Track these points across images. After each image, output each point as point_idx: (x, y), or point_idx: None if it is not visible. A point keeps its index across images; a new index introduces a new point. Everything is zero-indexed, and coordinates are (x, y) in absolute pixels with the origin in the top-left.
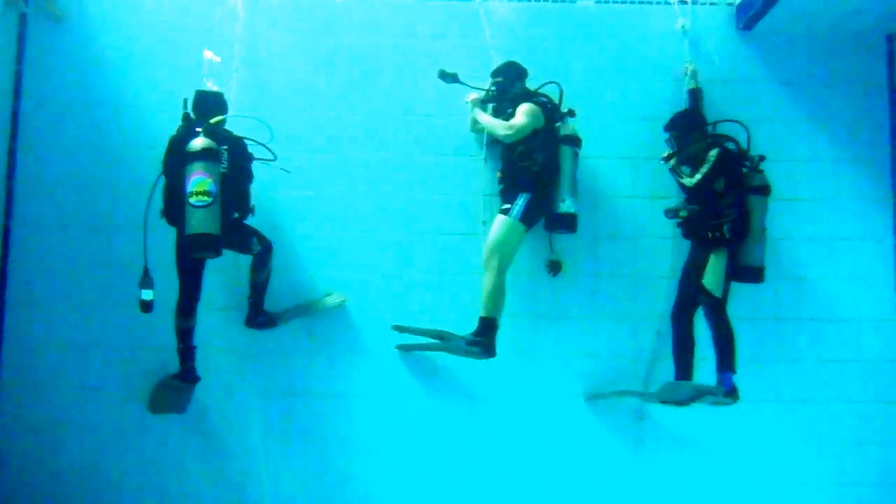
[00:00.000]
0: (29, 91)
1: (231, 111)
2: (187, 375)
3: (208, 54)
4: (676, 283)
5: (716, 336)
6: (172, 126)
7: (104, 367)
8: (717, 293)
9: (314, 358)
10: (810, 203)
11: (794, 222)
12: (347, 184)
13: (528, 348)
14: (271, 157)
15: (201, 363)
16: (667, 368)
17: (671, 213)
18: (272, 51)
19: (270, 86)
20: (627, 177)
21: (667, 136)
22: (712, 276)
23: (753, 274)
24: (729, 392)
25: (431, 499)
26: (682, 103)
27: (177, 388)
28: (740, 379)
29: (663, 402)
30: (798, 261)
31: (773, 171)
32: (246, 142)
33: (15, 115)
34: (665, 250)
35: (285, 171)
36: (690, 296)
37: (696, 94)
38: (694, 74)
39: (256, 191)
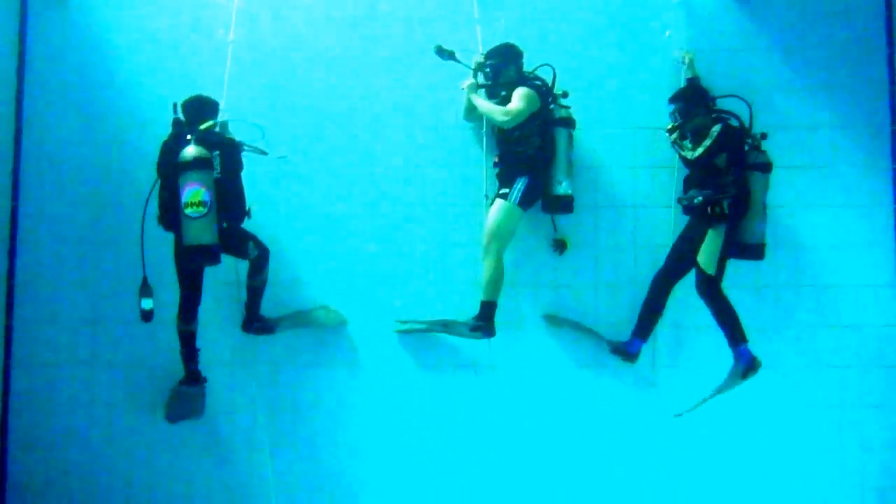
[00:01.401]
0: (32, 74)
1: (224, 85)
2: (193, 379)
3: None
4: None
5: (716, 314)
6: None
7: (112, 380)
8: (710, 270)
9: (321, 343)
10: (810, 170)
11: (793, 189)
12: (345, 164)
13: (531, 318)
14: (263, 153)
15: (207, 371)
16: (673, 335)
17: (685, 200)
18: (267, 28)
19: (265, 60)
20: (626, 147)
21: (671, 108)
22: (706, 253)
23: (754, 251)
24: (748, 366)
25: (446, 475)
26: (679, 73)
27: (188, 393)
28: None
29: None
30: (797, 228)
31: (772, 139)
32: (237, 138)
33: (19, 105)
34: (666, 219)
35: (282, 157)
36: (676, 266)
37: (694, 83)
38: (691, 63)
39: (254, 195)
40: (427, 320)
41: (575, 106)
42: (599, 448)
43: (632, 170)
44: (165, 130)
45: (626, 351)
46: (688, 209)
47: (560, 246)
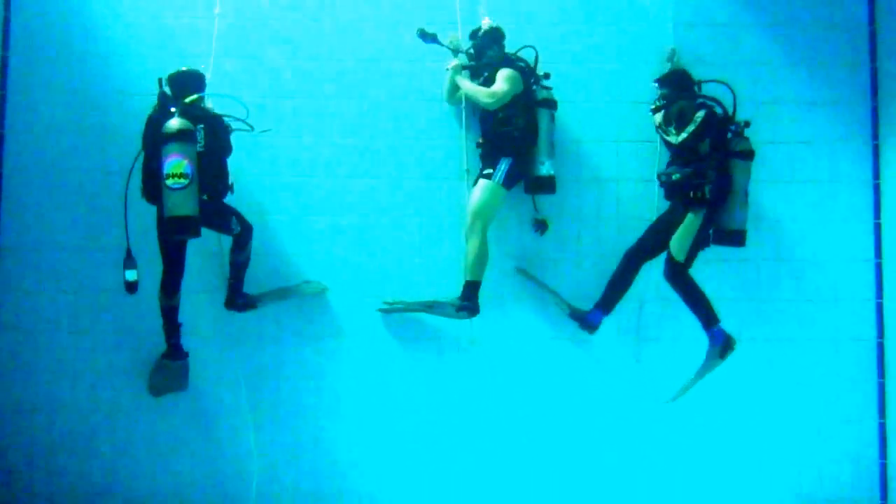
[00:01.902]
0: (16, 41)
1: (211, 57)
2: (174, 353)
3: None
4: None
5: (685, 299)
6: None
7: (95, 351)
8: (680, 257)
9: (306, 317)
10: (792, 145)
11: (775, 164)
12: (327, 134)
13: (513, 292)
14: (248, 128)
15: (191, 343)
16: (658, 309)
17: (664, 177)
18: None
19: (247, 34)
20: (609, 120)
21: (656, 93)
22: (679, 238)
23: (735, 237)
24: (725, 345)
25: (428, 446)
26: (662, 43)
27: (170, 367)
28: (725, 319)
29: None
30: (779, 202)
31: (755, 114)
32: (222, 116)
33: (3, 74)
34: (648, 193)
35: (266, 130)
36: (650, 247)
37: (680, 69)
38: (678, 62)
39: (237, 170)
40: (411, 301)
41: (558, 79)
42: (582, 423)
43: (615, 143)
44: (152, 97)
45: (587, 320)
46: (669, 192)
47: (541, 226)
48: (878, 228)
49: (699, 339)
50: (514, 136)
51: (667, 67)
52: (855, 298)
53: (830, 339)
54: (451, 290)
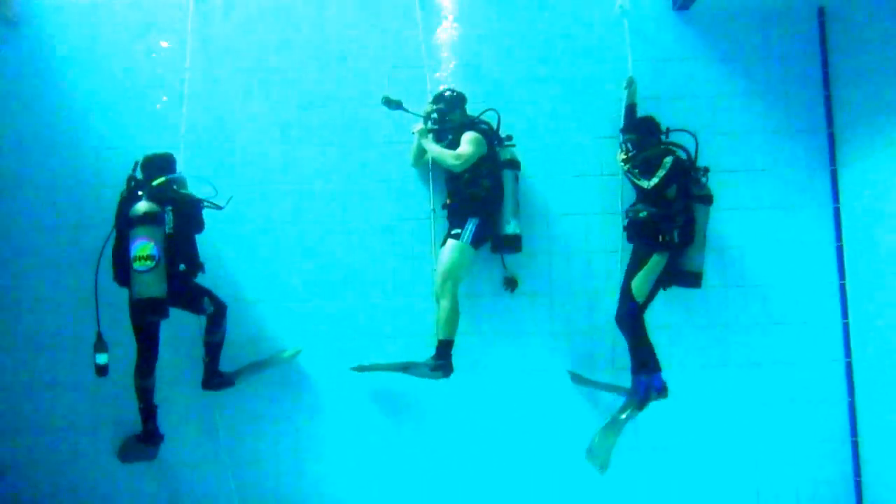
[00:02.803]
0: None
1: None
2: (150, 438)
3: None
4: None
5: (632, 340)
6: (131, 130)
7: (74, 407)
8: (640, 298)
9: (283, 374)
10: (750, 174)
11: (734, 194)
12: (295, 193)
13: (487, 328)
14: (216, 208)
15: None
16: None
17: (631, 213)
18: (217, 58)
19: (214, 92)
20: (574, 154)
21: (622, 138)
22: (642, 278)
23: (693, 279)
24: (645, 398)
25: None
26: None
27: (143, 448)
28: (693, 347)
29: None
30: (740, 231)
31: (714, 144)
32: (193, 195)
33: None
34: (617, 226)
35: (230, 199)
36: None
37: (633, 110)
38: (635, 88)
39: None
40: (385, 363)
41: (521, 119)
42: (559, 455)
43: (584, 178)
44: (124, 160)
45: (651, 387)
46: (632, 234)
47: (510, 283)
48: (840, 251)
49: (680, 364)
50: (480, 196)
51: (625, 95)
52: (821, 320)
53: (799, 361)
54: (425, 332)
